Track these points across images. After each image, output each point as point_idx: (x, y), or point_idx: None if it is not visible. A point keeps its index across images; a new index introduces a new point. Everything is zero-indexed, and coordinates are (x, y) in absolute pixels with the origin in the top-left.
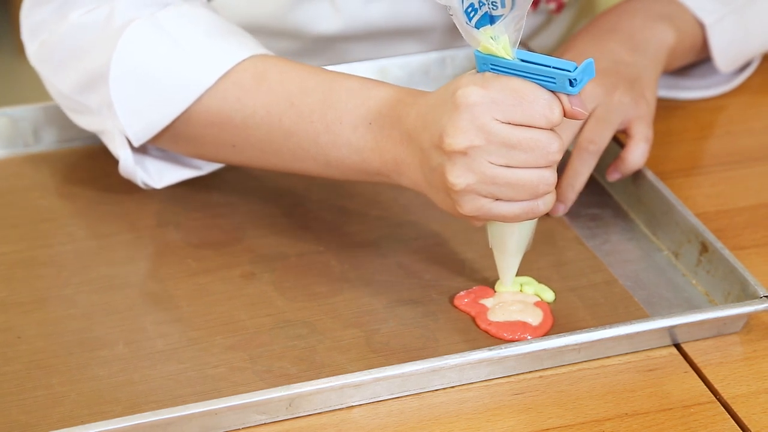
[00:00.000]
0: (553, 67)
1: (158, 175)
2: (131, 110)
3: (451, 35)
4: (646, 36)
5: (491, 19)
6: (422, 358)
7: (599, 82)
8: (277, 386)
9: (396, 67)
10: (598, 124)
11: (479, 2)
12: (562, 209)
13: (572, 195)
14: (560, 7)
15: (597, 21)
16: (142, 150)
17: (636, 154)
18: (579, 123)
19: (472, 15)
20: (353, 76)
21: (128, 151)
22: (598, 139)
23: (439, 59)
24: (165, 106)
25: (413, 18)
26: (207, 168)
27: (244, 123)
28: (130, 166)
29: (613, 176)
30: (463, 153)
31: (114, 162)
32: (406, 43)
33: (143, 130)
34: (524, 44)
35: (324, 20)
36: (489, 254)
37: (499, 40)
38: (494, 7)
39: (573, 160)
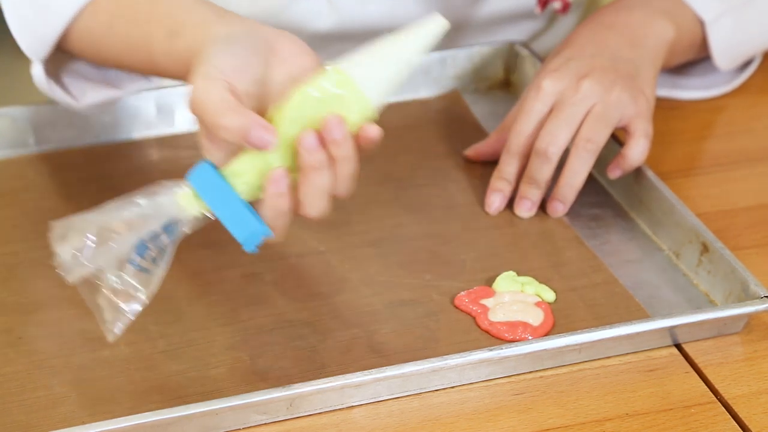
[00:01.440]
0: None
1: (79, 93)
2: (22, 25)
3: (447, 38)
4: (645, 31)
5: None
6: (423, 359)
7: (597, 80)
8: (278, 386)
9: None
10: (596, 122)
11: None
12: (561, 209)
13: (571, 194)
14: (566, 7)
15: (596, 16)
16: (63, 69)
17: (636, 151)
18: (577, 121)
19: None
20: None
21: (39, 66)
22: (596, 138)
23: (440, 59)
24: (49, 19)
25: (411, 19)
26: (129, 88)
27: (112, 29)
28: (42, 82)
29: (614, 173)
30: None
31: (115, 162)
32: None
33: (38, 46)
34: (527, 46)
35: (320, 18)
36: (490, 254)
37: (189, 203)
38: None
39: (571, 159)
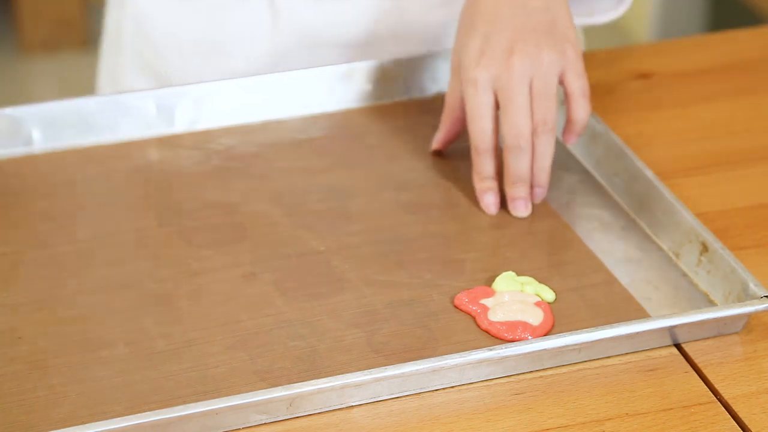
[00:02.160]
0: None
1: None
2: None
3: (402, 47)
4: None
5: None
6: (422, 358)
7: (524, 52)
8: (278, 386)
9: (398, 66)
10: (542, 101)
11: None
12: (541, 192)
13: (545, 177)
14: None
15: None
16: None
17: (579, 113)
18: (528, 104)
19: None
20: None
21: None
22: (549, 116)
23: (439, 59)
24: None
25: (361, 32)
26: None
27: None
28: None
29: (571, 140)
30: None
31: (115, 162)
32: (350, 54)
33: None
34: None
35: (261, 29)
36: (490, 254)
37: None
38: None
39: (535, 145)
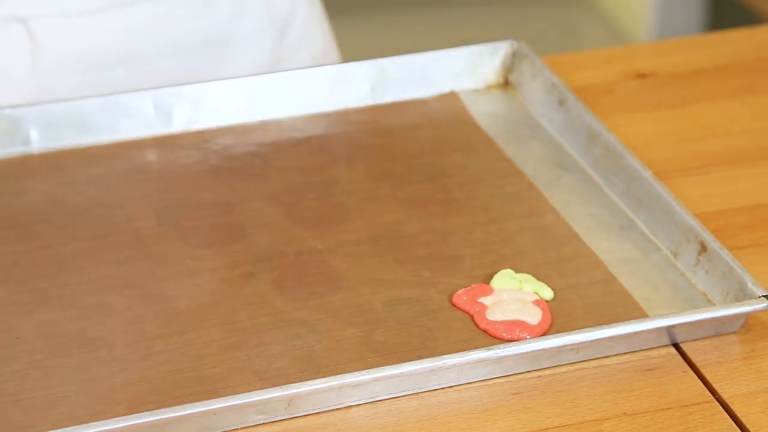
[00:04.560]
0: None
1: None
2: None
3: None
4: None
5: None
6: (421, 358)
7: None
8: (276, 386)
9: (396, 67)
10: None
11: None
12: None
13: None
14: None
15: None
16: None
17: None
18: None
19: None
20: None
21: None
22: None
23: (438, 59)
24: None
25: (118, 46)
26: None
27: None
28: None
29: None
30: None
31: (113, 162)
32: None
33: None
34: (526, 45)
35: (18, 54)
36: (488, 250)
37: None
38: None
39: None
